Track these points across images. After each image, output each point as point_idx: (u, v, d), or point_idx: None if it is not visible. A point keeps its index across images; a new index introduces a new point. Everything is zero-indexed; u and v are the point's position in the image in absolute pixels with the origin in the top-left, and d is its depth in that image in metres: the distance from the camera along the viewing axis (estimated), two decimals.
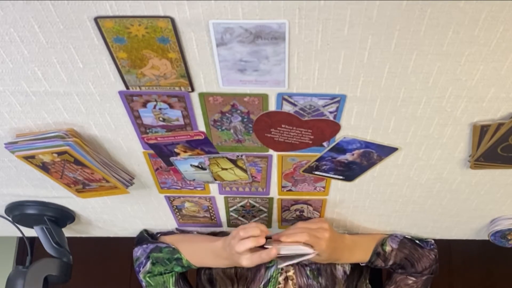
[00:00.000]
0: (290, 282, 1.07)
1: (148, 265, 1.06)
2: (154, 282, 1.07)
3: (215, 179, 0.92)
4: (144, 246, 1.08)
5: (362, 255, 1.09)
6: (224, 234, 1.14)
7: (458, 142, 0.81)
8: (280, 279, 1.06)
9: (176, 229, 1.15)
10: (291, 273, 1.07)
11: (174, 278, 1.07)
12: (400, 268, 1.11)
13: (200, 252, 1.06)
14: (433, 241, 1.14)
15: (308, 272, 1.08)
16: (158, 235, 1.14)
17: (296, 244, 0.95)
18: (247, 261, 0.93)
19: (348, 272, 1.12)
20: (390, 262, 1.10)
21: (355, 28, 0.59)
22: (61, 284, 1.01)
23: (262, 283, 1.07)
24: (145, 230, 1.14)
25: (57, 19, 0.58)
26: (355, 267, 1.13)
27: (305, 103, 0.71)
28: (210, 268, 1.12)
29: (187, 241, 1.10)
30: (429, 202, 1.01)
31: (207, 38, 0.61)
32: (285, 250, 0.94)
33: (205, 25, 0.59)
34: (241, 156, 0.84)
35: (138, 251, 1.09)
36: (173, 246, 1.07)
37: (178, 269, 1.07)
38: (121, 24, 0.58)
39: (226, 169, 0.88)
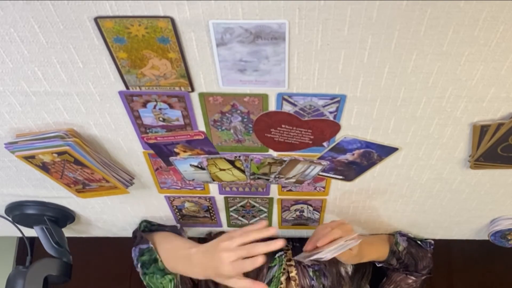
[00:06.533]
0: (292, 282, 1.06)
1: (139, 268, 1.02)
2: (154, 286, 1.05)
3: (213, 180, 0.92)
4: (134, 248, 1.04)
5: (379, 254, 1.08)
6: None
7: (458, 142, 0.81)
8: (282, 279, 1.06)
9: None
10: (293, 273, 1.07)
11: (173, 283, 1.02)
12: (404, 267, 1.11)
13: (174, 257, 0.98)
14: (432, 242, 1.14)
15: (311, 273, 1.07)
16: (154, 227, 1.10)
17: (334, 243, 0.88)
18: (228, 267, 0.83)
19: (350, 273, 1.11)
20: (401, 261, 1.09)
21: (355, 28, 0.59)
22: (61, 284, 1.01)
23: (265, 283, 1.06)
24: (145, 221, 1.09)
25: (57, 19, 0.58)
26: (358, 267, 1.13)
27: (305, 103, 0.71)
28: None
29: (167, 242, 1.02)
30: (429, 202, 1.01)
31: (207, 38, 0.61)
32: (331, 252, 0.86)
33: (205, 25, 0.59)
34: (239, 156, 0.84)
35: (132, 253, 1.04)
36: (151, 246, 1.00)
37: (159, 273, 0.99)
38: (121, 24, 0.58)
39: (224, 169, 0.88)
